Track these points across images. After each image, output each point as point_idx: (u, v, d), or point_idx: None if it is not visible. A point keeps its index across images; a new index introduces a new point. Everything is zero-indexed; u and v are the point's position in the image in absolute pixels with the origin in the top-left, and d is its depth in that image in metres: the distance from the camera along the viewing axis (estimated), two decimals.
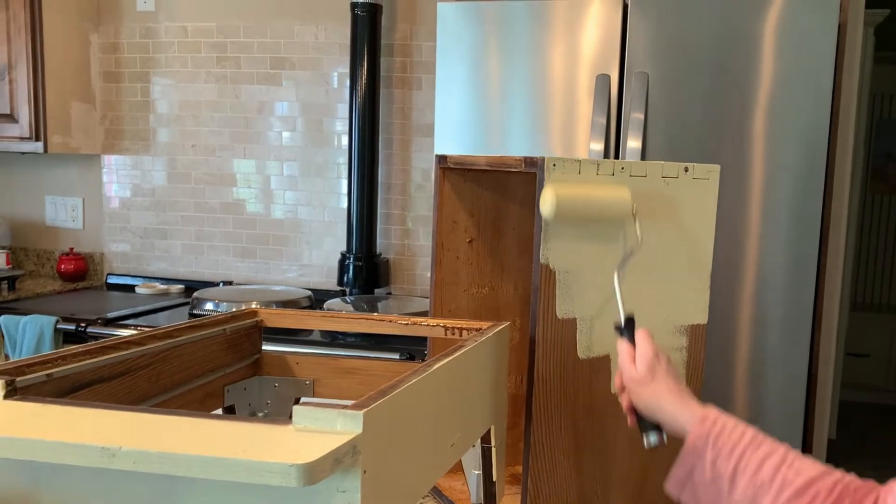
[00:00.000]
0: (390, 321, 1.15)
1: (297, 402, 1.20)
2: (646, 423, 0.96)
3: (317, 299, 2.67)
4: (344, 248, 2.79)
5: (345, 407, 0.68)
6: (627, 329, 0.98)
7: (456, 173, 1.35)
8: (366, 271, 2.74)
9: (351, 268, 2.74)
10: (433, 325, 1.14)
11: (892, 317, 5.17)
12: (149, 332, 0.98)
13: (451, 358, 0.88)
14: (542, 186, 0.99)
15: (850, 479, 0.84)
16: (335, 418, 0.67)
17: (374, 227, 2.76)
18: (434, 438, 0.85)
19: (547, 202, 0.96)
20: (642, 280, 1.08)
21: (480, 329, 1.08)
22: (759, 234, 1.99)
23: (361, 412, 0.67)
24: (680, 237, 1.09)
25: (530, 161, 1.03)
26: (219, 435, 0.67)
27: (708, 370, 2.02)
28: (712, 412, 0.90)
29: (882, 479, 0.82)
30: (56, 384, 0.83)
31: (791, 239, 1.97)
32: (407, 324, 1.16)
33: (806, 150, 1.95)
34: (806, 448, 2.08)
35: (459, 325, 1.13)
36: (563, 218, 0.97)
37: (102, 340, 0.92)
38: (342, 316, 1.19)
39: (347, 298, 2.70)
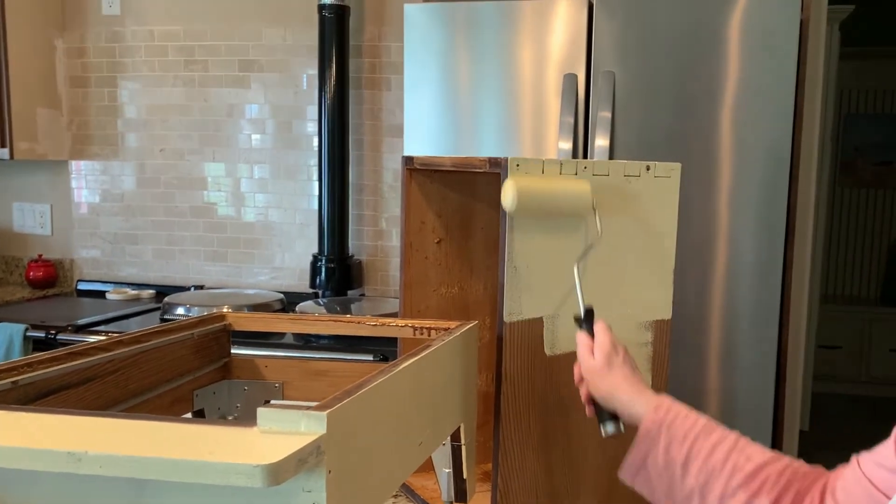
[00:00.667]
0: (359, 322, 1.16)
1: (266, 404, 1.21)
2: (603, 413, 0.98)
3: (289, 302, 2.67)
4: (316, 250, 2.78)
5: (309, 408, 0.68)
6: (587, 321, 1.00)
7: (423, 174, 1.35)
8: (338, 273, 2.74)
9: (323, 270, 2.74)
10: (402, 326, 1.15)
11: (862, 308, 5.26)
12: (116, 337, 0.98)
13: (417, 358, 0.89)
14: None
15: (799, 464, 0.86)
16: (299, 419, 0.67)
17: (346, 228, 2.76)
18: (401, 437, 0.86)
19: (508, 195, 0.98)
20: (607, 277, 1.09)
21: (448, 328, 1.09)
22: (727, 228, 2.02)
23: (325, 413, 0.67)
24: (643, 235, 1.10)
25: (494, 162, 1.04)
26: (185, 437, 0.67)
27: (679, 364, 2.05)
28: (666, 400, 0.92)
29: None
30: (22, 391, 0.83)
31: (758, 233, 2.00)
32: (376, 325, 1.16)
33: (771, 145, 1.98)
34: (777, 439, 2.11)
35: (428, 325, 1.14)
36: (525, 211, 0.98)
37: (69, 347, 0.92)
38: (310, 318, 1.20)
39: (320, 301, 2.69)
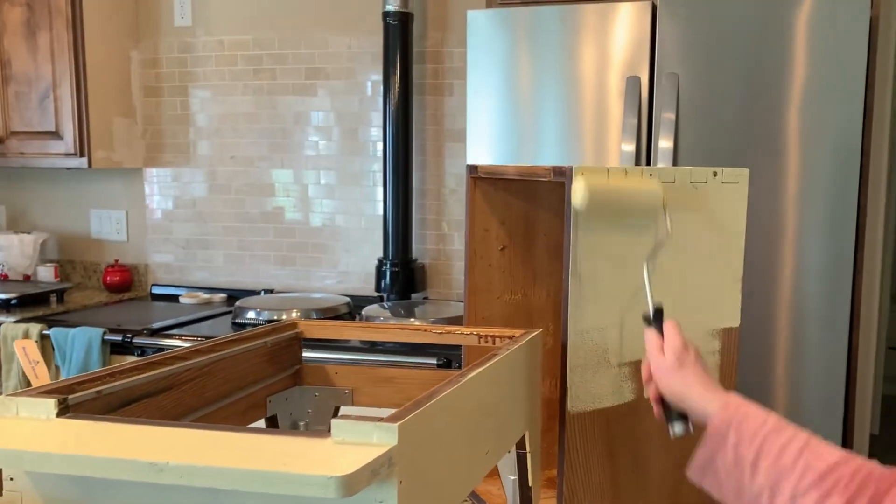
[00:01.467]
0: (425, 330, 1.18)
1: (336, 410, 1.24)
2: (672, 413, 0.97)
3: (355, 305, 2.71)
4: (381, 254, 2.82)
5: (381, 419, 0.70)
6: (656, 320, 1.00)
7: (487, 182, 1.37)
8: (402, 277, 2.78)
9: (388, 273, 2.78)
10: (467, 334, 1.17)
11: None
12: (193, 346, 1.02)
13: (483, 367, 0.91)
14: (570, 196, 1.01)
15: (874, 465, 0.84)
16: (371, 431, 0.69)
17: (410, 232, 2.79)
18: (468, 447, 0.87)
19: (578, 193, 0.98)
20: (675, 283, 1.09)
21: (513, 337, 1.10)
22: (795, 230, 1.99)
23: (396, 425, 0.69)
24: (711, 241, 1.10)
25: (558, 170, 1.05)
26: (261, 449, 0.70)
27: (747, 367, 2.03)
28: (735, 398, 0.91)
29: None
30: (106, 400, 0.87)
31: (827, 234, 1.97)
32: (441, 332, 1.18)
33: (840, 145, 1.94)
34: (846, 443, 2.07)
35: (492, 333, 1.16)
36: (596, 208, 0.99)
37: (149, 357, 0.96)
38: (379, 326, 1.22)
39: (385, 304, 2.73)
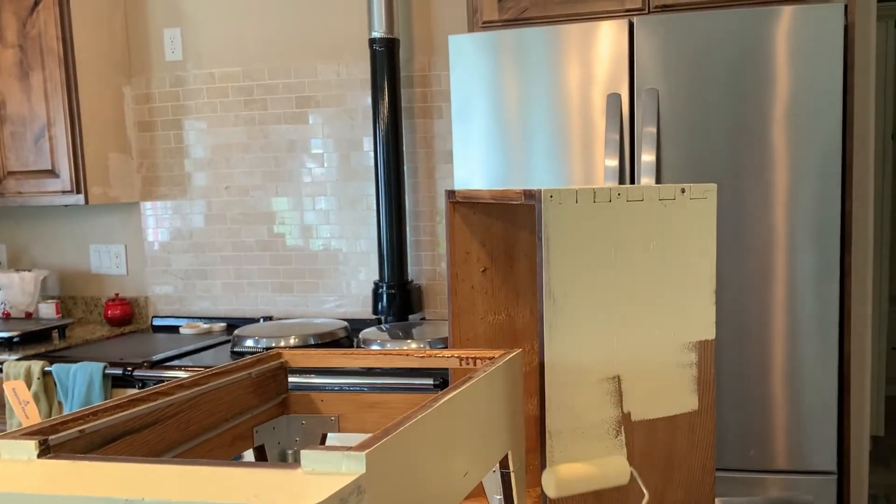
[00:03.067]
0: (407, 355, 1.20)
1: (324, 438, 1.26)
2: None
3: (354, 329, 2.73)
4: (377, 277, 2.85)
5: (349, 448, 0.72)
6: None
7: (465, 206, 1.39)
8: (399, 298, 2.80)
9: (384, 296, 2.80)
10: (448, 357, 1.19)
11: None
12: (176, 381, 1.04)
13: (458, 391, 0.93)
14: (541, 217, 1.03)
15: None
16: (340, 460, 0.71)
17: (405, 254, 2.82)
18: (444, 470, 0.89)
19: (550, 489, 1.06)
20: (648, 300, 1.11)
21: (493, 358, 1.12)
22: (785, 239, 2.00)
23: (364, 453, 0.71)
24: (682, 257, 1.12)
25: (529, 194, 1.07)
26: (234, 481, 0.72)
27: (745, 375, 2.04)
28: None
29: None
30: (89, 438, 0.89)
31: (815, 242, 1.98)
32: (424, 356, 1.20)
33: (822, 152, 1.96)
34: (843, 447, 2.08)
35: (473, 355, 1.17)
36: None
37: (132, 394, 0.98)
38: (361, 353, 1.24)
39: (383, 327, 2.75)
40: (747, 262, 2.03)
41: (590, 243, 1.06)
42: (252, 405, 1.18)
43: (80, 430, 0.88)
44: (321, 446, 0.74)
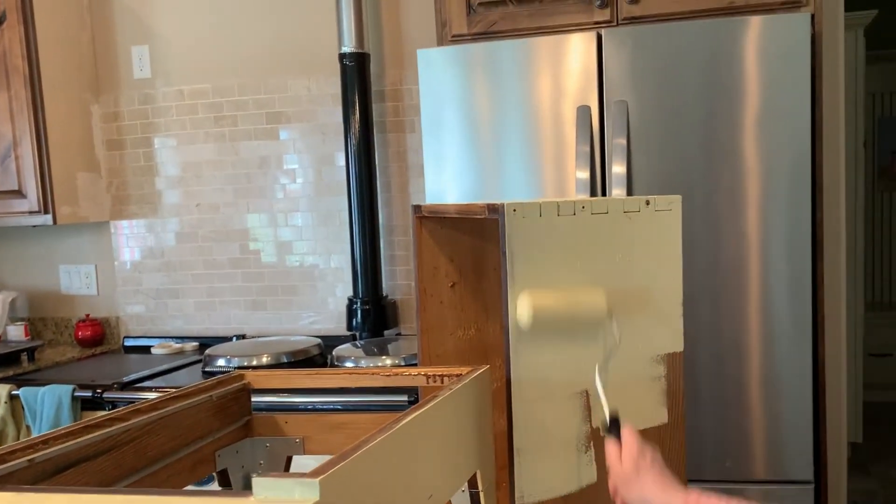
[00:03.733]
0: (373, 374, 1.18)
1: (289, 460, 1.23)
2: None
3: (328, 345, 2.70)
4: (351, 293, 2.82)
5: (303, 475, 0.70)
6: (613, 428, 1.01)
7: (432, 221, 1.37)
8: (374, 314, 2.77)
9: (359, 312, 2.78)
10: (415, 375, 1.17)
11: None
12: (133, 407, 1.02)
13: (420, 412, 0.91)
14: (504, 231, 1.02)
15: None
16: (293, 487, 0.69)
17: (379, 270, 2.79)
18: (406, 492, 0.87)
19: (524, 314, 1.01)
20: (618, 314, 1.10)
21: (460, 375, 1.10)
22: (759, 248, 2.00)
23: (318, 480, 0.69)
24: (648, 269, 1.11)
25: (492, 208, 1.06)
26: None
27: (722, 385, 2.03)
28: (693, 495, 0.93)
29: None
30: (39, 468, 0.86)
31: (787, 250, 1.99)
32: (390, 375, 1.18)
33: (793, 160, 1.97)
34: (820, 454, 2.07)
35: (440, 373, 1.16)
36: (540, 326, 1.01)
37: (86, 420, 0.96)
38: (326, 373, 1.22)
39: (358, 343, 2.72)
40: (721, 271, 2.03)
41: (555, 257, 1.05)
42: (214, 428, 1.15)
43: (28, 460, 0.85)
44: (273, 473, 0.72)
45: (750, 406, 2.05)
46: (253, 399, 1.24)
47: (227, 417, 1.17)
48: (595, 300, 1.04)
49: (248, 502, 0.70)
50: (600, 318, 1.04)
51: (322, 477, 0.69)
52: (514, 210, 1.04)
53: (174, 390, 1.10)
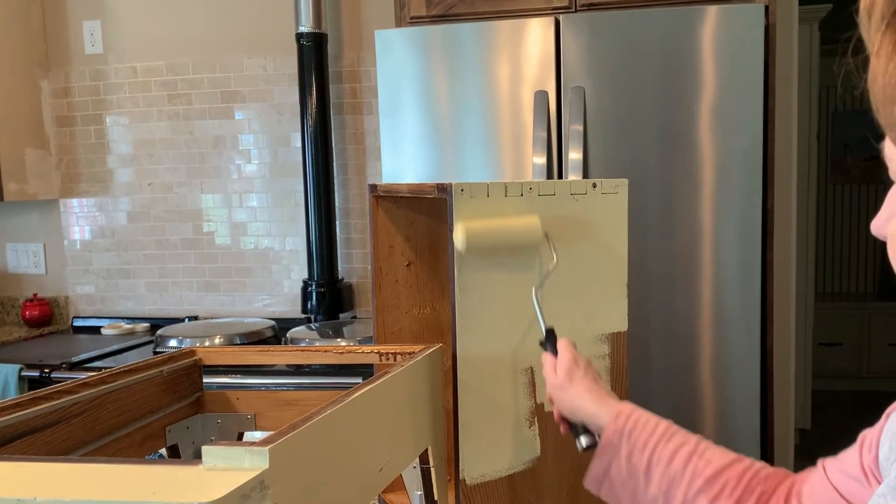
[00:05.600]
0: (325, 351, 1.18)
1: (241, 436, 1.23)
2: (576, 428, 0.99)
3: (282, 328, 2.69)
4: (307, 275, 2.81)
5: (252, 444, 0.70)
6: (549, 342, 1.02)
7: (388, 200, 1.38)
8: (329, 297, 2.77)
9: (314, 294, 2.77)
10: (368, 353, 1.17)
11: (860, 304, 5.25)
12: (82, 379, 1.01)
13: (371, 386, 0.91)
14: (452, 211, 1.02)
15: (761, 466, 0.86)
16: (243, 455, 0.69)
17: (335, 252, 2.79)
18: (357, 465, 0.88)
19: (459, 237, 1.00)
20: (561, 293, 1.11)
21: (413, 353, 1.11)
22: (712, 236, 2.04)
23: (268, 448, 0.69)
24: (594, 251, 1.12)
25: (441, 187, 1.06)
26: (132, 479, 0.69)
27: (674, 369, 2.07)
28: (626, 407, 0.93)
29: None
30: None
31: (739, 238, 2.02)
32: (343, 353, 1.18)
33: (745, 150, 2.00)
34: (768, 440, 2.12)
35: (393, 351, 1.16)
36: (477, 249, 1.01)
37: (34, 392, 0.94)
38: (278, 349, 1.22)
39: (312, 325, 2.72)
40: (674, 257, 2.06)
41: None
42: (164, 404, 1.14)
43: None
44: (223, 442, 0.72)
45: (700, 391, 2.09)
46: (207, 380, 1.23)
47: (178, 393, 1.17)
48: (530, 222, 1.05)
49: (196, 471, 0.69)
50: (536, 238, 1.05)
51: (272, 445, 0.69)
52: (462, 190, 1.04)
53: (124, 365, 1.09)
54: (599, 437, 0.96)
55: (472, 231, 1.00)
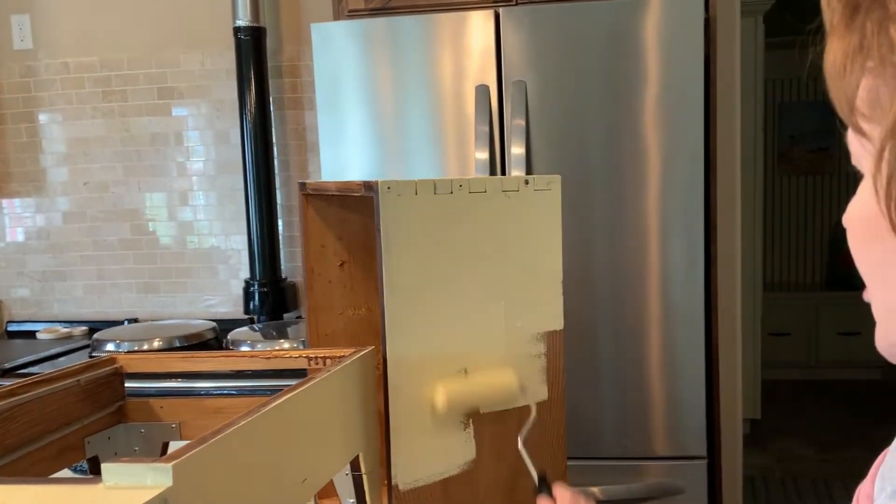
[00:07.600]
0: (252, 356, 1.14)
1: (165, 446, 1.18)
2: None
3: (223, 329, 2.63)
4: (248, 275, 2.75)
5: (155, 460, 0.66)
6: (543, 487, 1.02)
7: (320, 199, 1.34)
8: (272, 297, 2.72)
9: (257, 294, 2.71)
10: (296, 357, 1.13)
11: (809, 294, 5.33)
12: None
13: (292, 394, 0.88)
14: (379, 209, 0.99)
15: None
16: (145, 473, 0.65)
17: (277, 251, 2.73)
18: (275, 477, 0.84)
19: (439, 402, 1.04)
20: (497, 292, 1.09)
21: (343, 356, 1.07)
22: (657, 229, 2.03)
23: (171, 465, 0.65)
24: (528, 249, 1.10)
25: (368, 185, 1.03)
26: (27, 499, 0.65)
27: (622, 363, 2.06)
28: None
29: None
30: None
31: (683, 231, 2.02)
32: (270, 358, 1.14)
33: (687, 143, 2.00)
34: (713, 431, 2.13)
35: (322, 355, 1.12)
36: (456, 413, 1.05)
37: None
38: (202, 356, 1.18)
39: (255, 326, 2.66)
40: (621, 252, 2.05)
41: (432, 235, 1.03)
42: (83, 414, 1.09)
43: None
44: (125, 458, 0.68)
45: (648, 384, 2.09)
46: (140, 385, 1.19)
47: (98, 403, 1.11)
48: (507, 380, 1.07)
49: (96, 490, 0.65)
50: (514, 395, 1.08)
51: (175, 462, 0.66)
52: (389, 188, 1.01)
53: (38, 375, 1.03)
54: None
55: (451, 394, 1.03)
